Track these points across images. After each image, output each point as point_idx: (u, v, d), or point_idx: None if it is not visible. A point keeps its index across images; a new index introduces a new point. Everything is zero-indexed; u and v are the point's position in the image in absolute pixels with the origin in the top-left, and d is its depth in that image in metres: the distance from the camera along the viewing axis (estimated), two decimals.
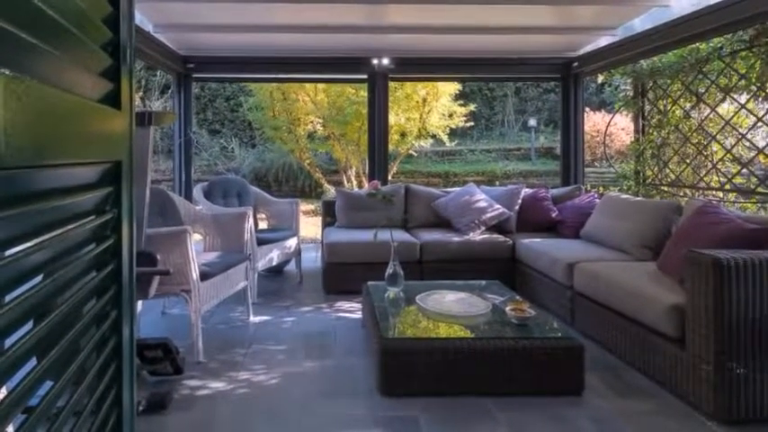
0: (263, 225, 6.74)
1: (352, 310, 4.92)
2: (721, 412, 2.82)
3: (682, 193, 5.90)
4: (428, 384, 3.18)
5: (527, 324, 3.43)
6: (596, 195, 5.81)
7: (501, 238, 5.66)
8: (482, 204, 5.96)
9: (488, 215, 5.85)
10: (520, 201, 6.08)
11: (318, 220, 8.67)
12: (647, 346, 3.35)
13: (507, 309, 3.55)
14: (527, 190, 6.28)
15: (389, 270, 4.19)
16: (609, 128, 8.81)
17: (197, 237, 4.73)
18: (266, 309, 5.00)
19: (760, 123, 4.94)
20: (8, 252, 0.63)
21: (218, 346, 4.03)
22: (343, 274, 5.44)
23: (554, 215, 5.90)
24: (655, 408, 3.07)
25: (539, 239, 5.38)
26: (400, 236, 5.50)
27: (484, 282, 4.53)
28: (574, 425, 2.86)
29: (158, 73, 15.62)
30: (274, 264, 5.78)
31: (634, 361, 3.51)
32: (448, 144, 12.70)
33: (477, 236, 5.68)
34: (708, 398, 2.87)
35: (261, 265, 5.40)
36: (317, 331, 4.35)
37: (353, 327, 4.44)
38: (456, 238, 5.61)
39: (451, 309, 3.70)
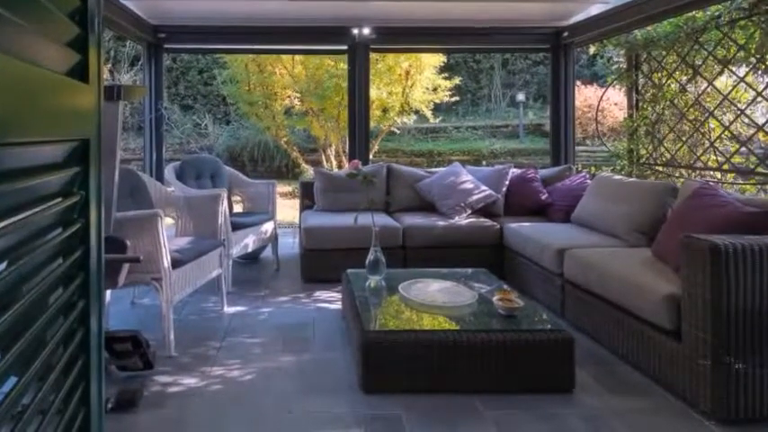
0: (237, 208, 6.66)
1: (331, 299, 4.87)
2: (719, 411, 2.77)
3: (677, 174, 5.87)
4: (412, 380, 3.14)
5: (515, 315, 3.39)
6: (588, 176, 5.78)
7: (488, 222, 5.62)
8: (468, 186, 5.91)
9: (474, 198, 5.80)
10: (507, 182, 6.04)
11: (296, 203, 8.59)
12: (641, 340, 3.32)
13: (494, 299, 3.51)
14: (515, 170, 6.24)
15: (371, 257, 4.14)
16: (601, 103, 8.77)
17: (168, 221, 4.63)
18: (241, 299, 4.94)
19: (759, 98, 4.90)
20: None
21: (190, 338, 3.97)
22: (322, 261, 5.37)
23: (543, 197, 5.86)
24: (649, 406, 3.04)
25: (527, 224, 5.34)
26: (382, 220, 5.44)
27: (470, 270, 4.49)
28: (564, 424, 2.83)
29: (128, 43, 15.35)
30: (250, 250, 5.71)
31: (627, 355, 3.48)
32: (432, 120, 12.60)
33: (463, 220, 5.64)
34: (705, 395, 2.82)
35: (235, 251, 5.33)
36: (295, 323, 4.30)
37: (333, 318, 4.39)
38: (441, 223, 5.56)
39: (436, 299, 3.66)
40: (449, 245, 5.44)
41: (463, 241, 5.48)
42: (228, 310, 4.61)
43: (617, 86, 7.49)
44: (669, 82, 5.96)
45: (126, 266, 3.42)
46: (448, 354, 3.12)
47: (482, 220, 5.67)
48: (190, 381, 3.33)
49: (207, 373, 3.43)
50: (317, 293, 5.06)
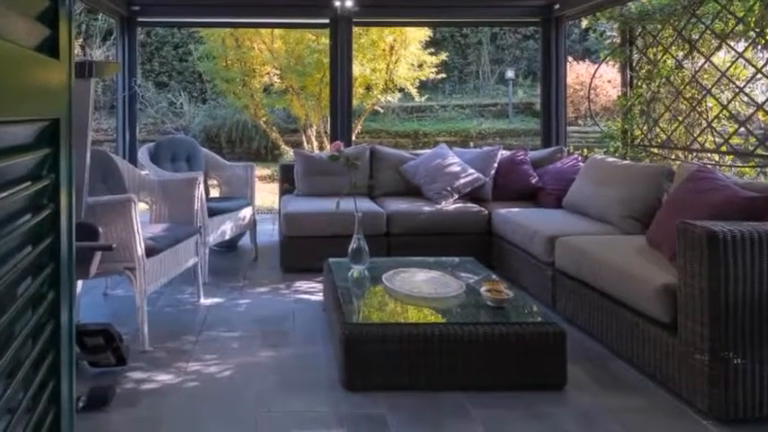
0: (214, 193, 6.58)
1: (312, 290, 4.83)
2: (717, 409, 2.72)
3: (673, 156, 5.85)
4: (396, 377, 3.09)
5: (503, 307, 3.36)
6: (580, 158, 5.74)
7: (475, 207, 5.57)
8: (455, 169, 5.85)
9: (462, 181, 5.75)
10: (496, 165, 5.98)
11: (275, 187, 8.53)
12: (636, 333, 3.28)
13: (482, 290, 3.47)
14: (504, 152, 6.18)
15: (353, 245, 4.09)
16: (594, 80, 8.72)
17: (142, 206, 4.57)
18: (218, 289, 4.89)
19: (759, 75, 4.86)
20: None
21: (165, 332, 3.92)
22: (302, 250, 5.32)
23: (534, 181, 5.81)
24: (644, 404, 3.00)
25: (516, 209, 5.30)
26: (365, 205, 5.38)
27: (457, 258, 4.45)
28: (556, 423, 2.80)
29: (100, 17, 15.11)
30: (227, 238, 5.65)
31: (621, 349, 3.43)
32: (417, 99, 12.51)
33: (450, 205, 5.59)
34: (702, 393, 2.77)
35: (212, 239, 5.26)
36: (275, 316, 4.25)
37: (314, 310, 4.35)
38: (426, 208, 5.51)
39: (421, 290, 3.62)
40: (435, 232, 5.39)
41: (450, 228, 5.44)
42: (205, 301, 4.56)
43: (610, 63, 7.43)
44: (665, 57, 5.91)
45: (98, 255, 3.35)
46: (434, 348, 3.07)
47: (469, 205, 5.62)
48: (165, 377, 3.28)
49: (183, 368, 3.39)
50: (298, 284, 5.02)
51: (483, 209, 5.54)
